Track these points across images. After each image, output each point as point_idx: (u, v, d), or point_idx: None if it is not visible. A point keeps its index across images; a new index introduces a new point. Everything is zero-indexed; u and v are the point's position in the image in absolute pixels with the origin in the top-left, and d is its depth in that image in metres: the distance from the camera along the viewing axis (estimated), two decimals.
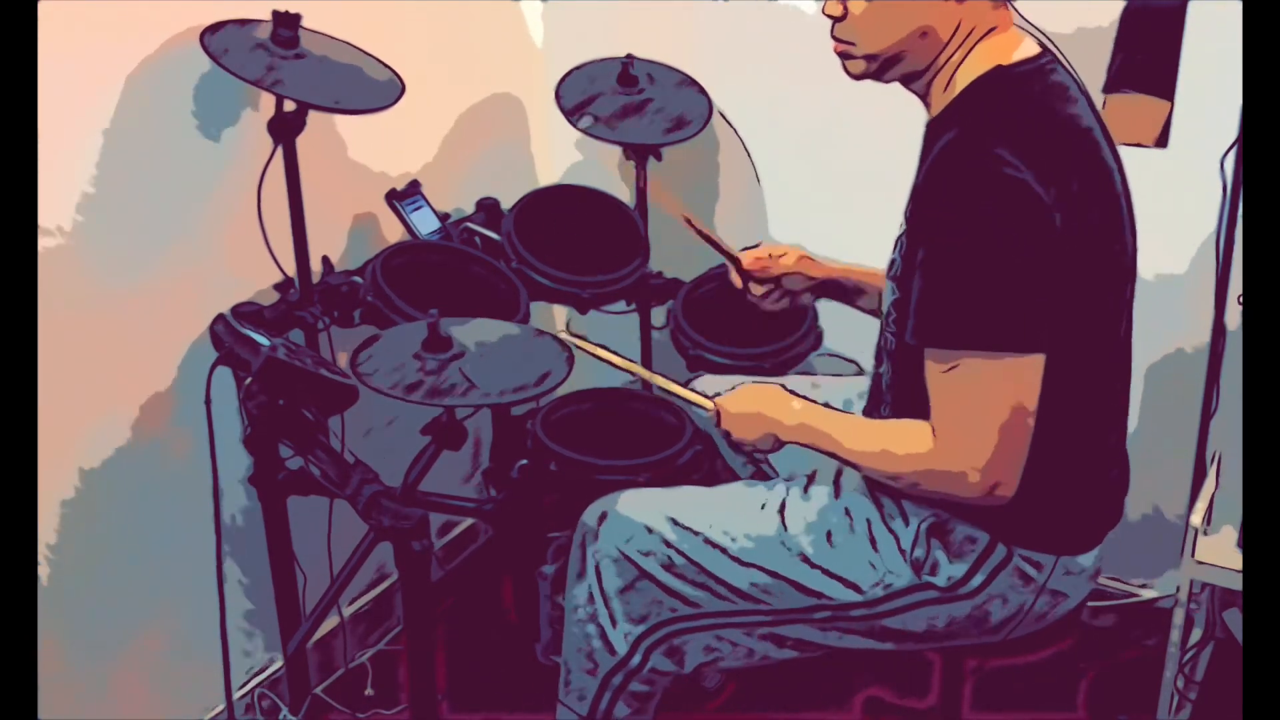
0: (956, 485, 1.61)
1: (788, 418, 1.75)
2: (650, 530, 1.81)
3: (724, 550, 1.78)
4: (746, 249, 2.08)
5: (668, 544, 1.80)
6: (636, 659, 1.83)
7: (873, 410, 1.80)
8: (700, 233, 2.08)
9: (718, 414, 1.82)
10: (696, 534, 1.79)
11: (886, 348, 1.74)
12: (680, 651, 1.84)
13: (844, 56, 1.67)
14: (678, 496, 1.88)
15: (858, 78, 1.68)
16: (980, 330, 1.54)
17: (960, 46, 1.62)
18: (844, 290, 2.03)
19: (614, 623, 1.83)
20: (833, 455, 1.71)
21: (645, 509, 1.84)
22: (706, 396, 1.87)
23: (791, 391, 1.80)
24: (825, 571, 1.75)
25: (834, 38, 1.66)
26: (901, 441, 1.65)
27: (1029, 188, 1.51)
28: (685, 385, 2.00)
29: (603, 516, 1.85)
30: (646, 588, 1.81)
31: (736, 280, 2.07)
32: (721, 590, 1.78)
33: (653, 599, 1.81)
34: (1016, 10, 1.66)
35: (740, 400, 1.81)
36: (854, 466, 1.72)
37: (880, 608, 1.75)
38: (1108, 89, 2.31)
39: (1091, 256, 1.59)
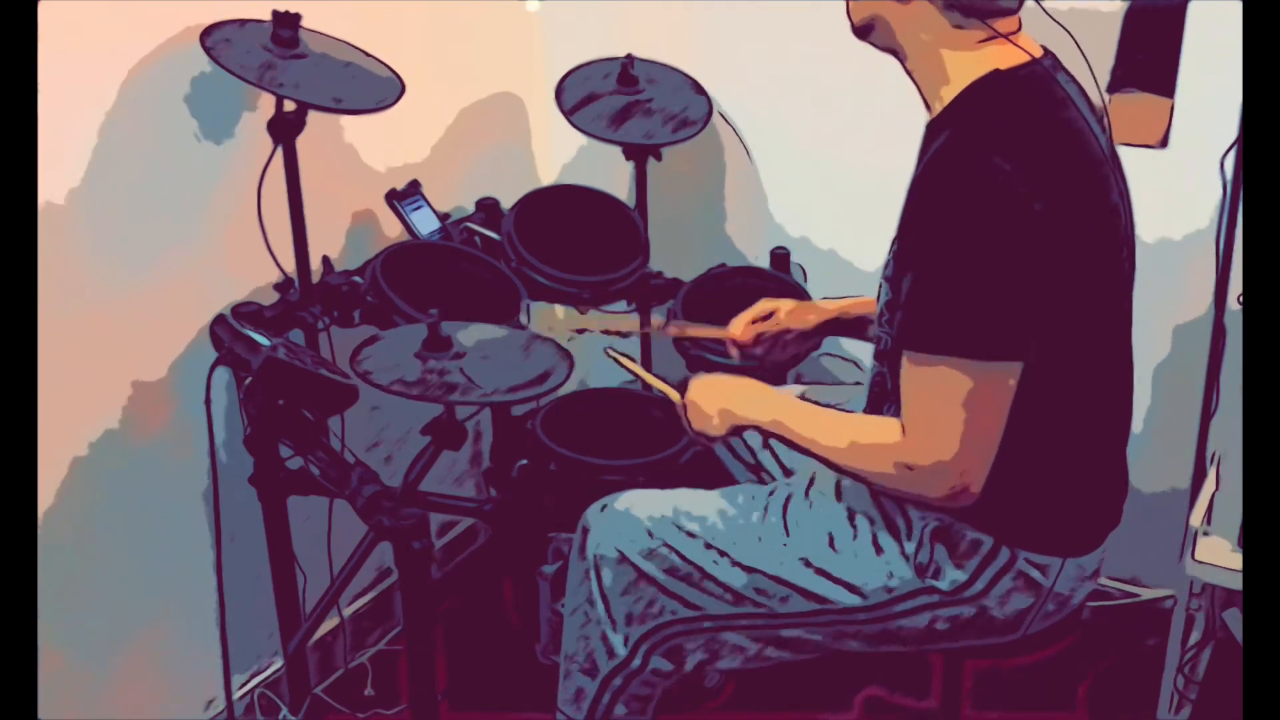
0: (919, 484, 1.61)
1: (759, 413, 1.76)
2: (651, 533, 1.80)
3: (725, 553, 1.78)
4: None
5: (669, 546, 1.79)
6: (637, 661, 1.83)
7: (876, 409, 1.79)
8: (686, 338, 2.15)
9: (684, 406, 1.83)
10: (697, 536, 1.79)
11: (883, 348, 1.74)
12: (680, 653, 1.83)
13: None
14: (679, 498, 1.87)
15: (855, 35, 1.72)
16: (955, 337, 1.54)
17: (946, 50, 1.61)
18: (847, 326, 2.04)
19: (614, 625, 1.83)
20: (806, 451, 1.71)
21: (646, 510, 1.83)
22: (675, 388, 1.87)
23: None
24: (827, 575, 1.75)
25: None
26: (869, 434, 1.65)
27: (1017, 194, 1.51)
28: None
29: (603, 518, 1.85)
30: (646, 590, 1.80)
31: (734, 353, 2.08)
32: (722, 593, 1.78)
33: (653, 601, 1.81)
34: (1019, 19, 1.66)
35: (702, 390, 1.81)
36: (825, 462, 1.71)
37: (883, 611, 1.74)
38: (1111, 88, 2.31)
39: (1086, 262, 1.59)
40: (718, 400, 1.79)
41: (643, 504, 1.85)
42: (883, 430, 1.63)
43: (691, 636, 1.82)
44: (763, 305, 2.07)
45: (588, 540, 1.85)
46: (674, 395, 1.87)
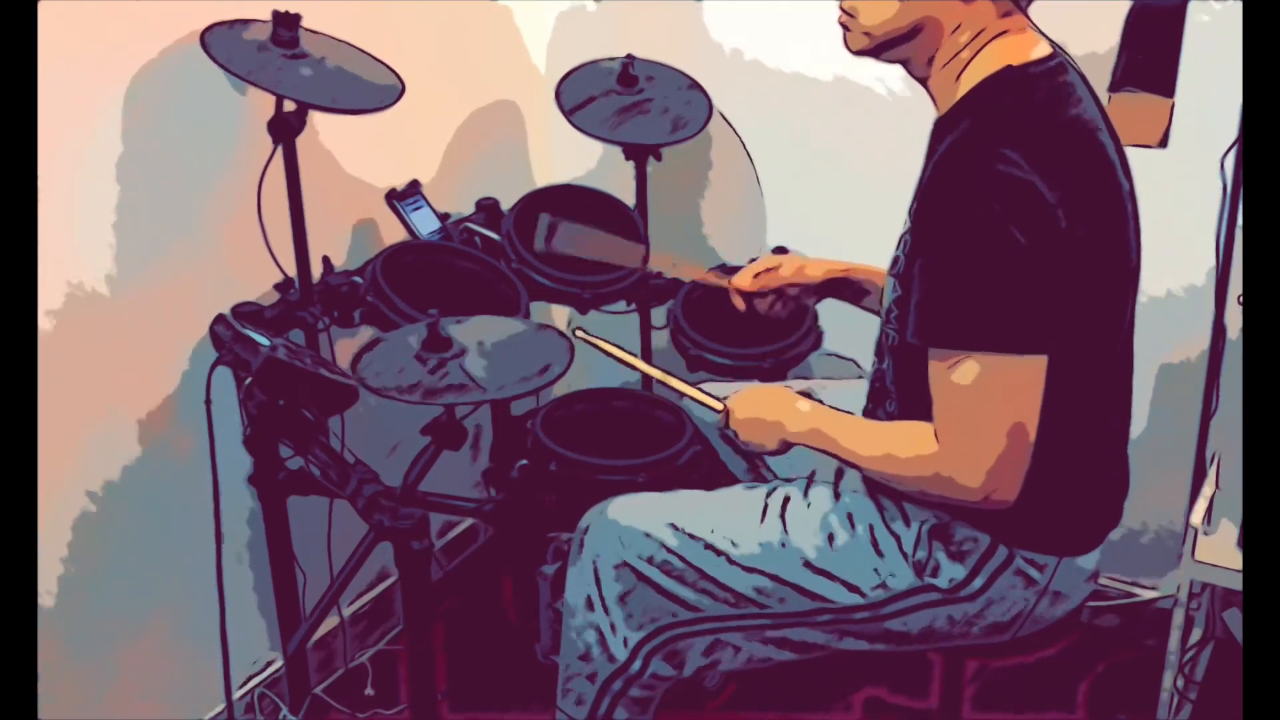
0: (958, 489, 1.61)
1: (795, 421, 1.75)
2: (650, 535, 1.80)
3: (725, 555, 1.78)
4: (731, 269, 2.09)
5: (668, 549, 1.79)
6: (636, 665, 1.83)
7: (877, 406, 1.79)
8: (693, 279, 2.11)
9: (726, 416, 1.82)
10: (697, 539, 1.79)
11: (888, 344, 1.74)
12: (680, 656, 1.83)
13: (845, 28, 1.65)
14: (677, 500, 1.87)
15: (855, 53, 1.66)
16: (983, 330, 1.54)
17: (966, 46, 1.61)
18: (847, 289, 2.03)
19: (613, 629, 1.82)
20: (838, 458, 1.71)
21: (645, 514, 1.83)
22: (716, 398, 1.87)
23: (801, 393, 1.80)
24: (827, 575, 1.75)
25: (840, 8, 1.65)
26: (905, 444, 1.64)
27: (1034, 188, 1.51)
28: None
29: (602, 521, 1.85)
30: (646, 593, 1.80)
31: (739, 303, 2.06)
32: (722, 595, 1.78)
33: (653, 604, 1.81)
34: (1027, 15, 1.65)
35: (748, 403, 1.80)
36: (858, 469, 1.72)
37: (882, 610, 1.75)
38: (1112, 88, 2.31)
39: (1095, 259, 1.58)
40: (762, 415, 1.78)
41: (642, 507, 1.85)
42: (918, 440, 1.62)
43: (691, 639, 1.82)
44: (768, 258, 2.06)
45: (586, 543, 1.85)
46: (716, 405, 1.85)
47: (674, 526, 1.80)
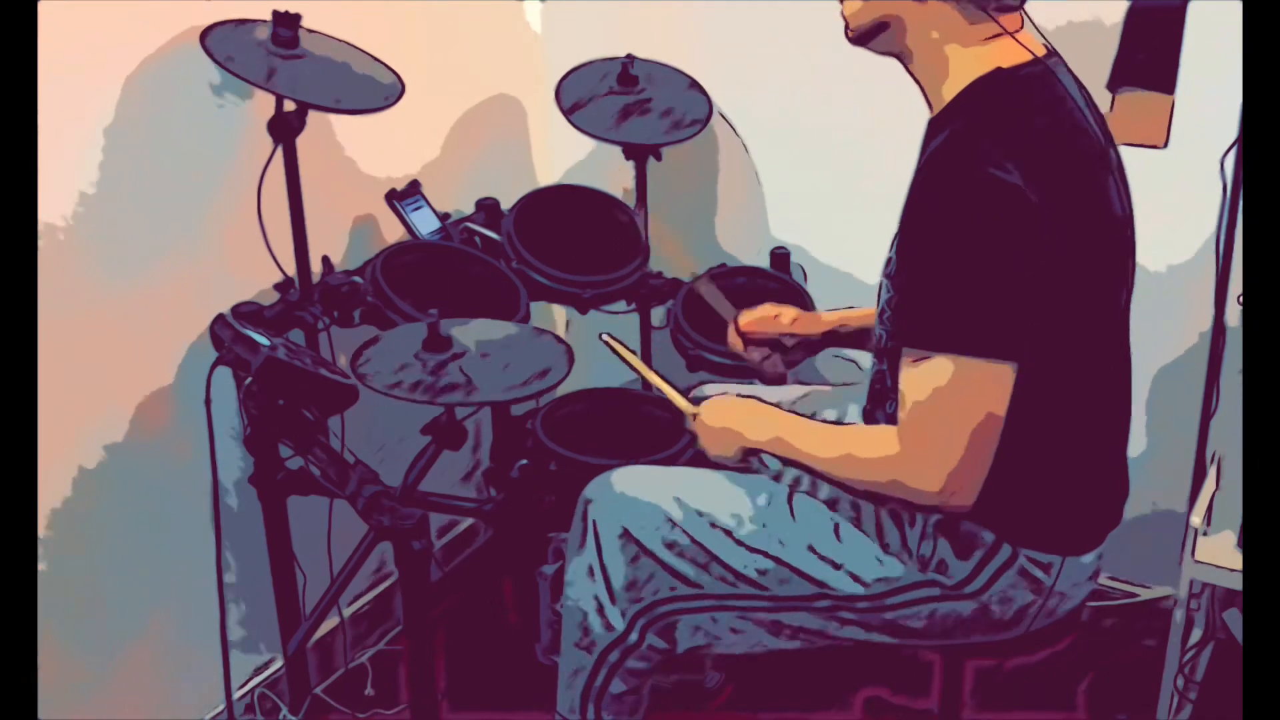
0: (917, 493, 1.61)
1: (755, 430, 1.76)
2: (655, 508, 1.80)
3: (729, 533, 1.78)
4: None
5: (672, 522, 1.79)
6: (634, 636, 1.83)
7: (876, 408, 1.79)
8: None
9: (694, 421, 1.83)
10: (702, 515, 1.79)
11: (884, 345, 1.74)
12: (675, 631, 1.83)
13: (844, 20, 1.71)
14: (684, 475, 1.87)
15: (851, 42, 1.71)
16: (954, 332, 1.54)
17: (943, 47, 1.62)
18: (846, 338, 2.04)
19: (613, 599, 1.82)
20: (802, 466, 1.72)
21: (650, 486, 1.83)
22: (692, 404, 1.87)
23: (775, 404, 1.80)
24: (830, 562, 1.75)
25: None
26: (866, 446, 1.65)
27: (1018, 191, 1.51)
28: (687, 392, 1.99)
29: (606, 491, 1.84)
30: (647, 565, 1.80)
31: (735, 342, 2.07)
32: (723, 573, 1.78)
33: (653, 577, 1.80)
34: (1027, 15, 1.66)
35: (715, 413, 1.81)
36: (823, 477, 1.72)
37: (883, 601, 1.75)
38: (1111, 86, 2.31)
39: (1084, 260, 1.58)
40: (727, 424, 1.79)
41: (648, 479, 1.85)
42: (879, 442, 1.63)
43: (689, 615, 1.81)
44: (769, 307, 2.07)
45: (589, 513, 1.84)
46: (682, 404, 1.87)
47: (679, 500, 1.80)
